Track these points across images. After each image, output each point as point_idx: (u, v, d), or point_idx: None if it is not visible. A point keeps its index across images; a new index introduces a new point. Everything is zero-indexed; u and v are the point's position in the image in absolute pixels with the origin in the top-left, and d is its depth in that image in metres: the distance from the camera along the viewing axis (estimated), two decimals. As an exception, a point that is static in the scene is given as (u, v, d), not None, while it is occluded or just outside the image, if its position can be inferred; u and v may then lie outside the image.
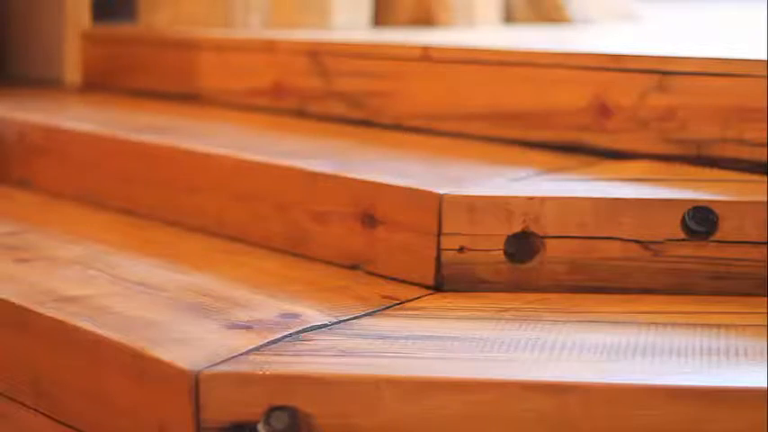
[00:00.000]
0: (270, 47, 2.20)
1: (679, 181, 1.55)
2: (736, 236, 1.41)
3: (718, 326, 1.28)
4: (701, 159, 1.63)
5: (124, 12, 2.71)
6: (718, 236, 1.41)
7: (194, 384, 1.15)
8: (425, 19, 2.65)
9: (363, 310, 1.35)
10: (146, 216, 1.83)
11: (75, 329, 1.31)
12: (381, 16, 2.62)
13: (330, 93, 2.07)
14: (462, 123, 1.88)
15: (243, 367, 1.17)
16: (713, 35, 2.41)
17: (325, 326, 1.29)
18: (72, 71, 2.63)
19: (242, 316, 1.33)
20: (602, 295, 1.41)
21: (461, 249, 1.43)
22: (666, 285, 1.42)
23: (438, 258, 1.44)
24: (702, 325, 1.29)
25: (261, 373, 1.15)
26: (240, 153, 1.72)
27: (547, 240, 1.43)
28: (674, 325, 1.29)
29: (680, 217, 1.41)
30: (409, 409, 1.13)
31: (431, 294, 1.42)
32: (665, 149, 1.66)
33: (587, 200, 1.43)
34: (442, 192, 1.45)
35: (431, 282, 1.44)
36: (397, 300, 1.39)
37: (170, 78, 2.40)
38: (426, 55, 1.95)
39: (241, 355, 1.20)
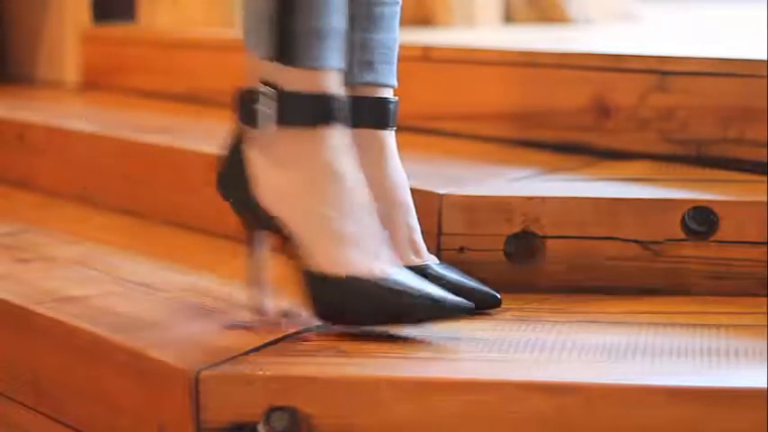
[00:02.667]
0: (270, 47, 2.20)
1: (679, 181, 1.55)
2: (736, 236, 1.40)
3: (718, 326, 1.28)
4: (701, 159, 1.63)
5: (124, 12, 2.71)
6: (718, 236, 1.41)
7: (194, 384, 1.15)
8: (425, 19, 2.65)
9: (363, 311, 1.34)
10: (146, 216, 1.83)
11: (75, 329, 1.31)
12: (381, 16, 2.62)
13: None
14: (462, 123, 1.88)
15: (243, 367, 1.17)
16: (713, 35, 2.41)
17: (325, 326, 1.29)
18: (72, 71, 2.64)
19: (242, 316, 1.33)
20: (602, 295, 1.41)
21: (461, 250, 1.43)
22: (666, 285, 1.42)
23: (438, 258, 1.43)
24: (702, 325, 1.29)
25: (261, 373, 1.15)
26: (240, 153, 1.72)
27: (547, 240, 1.43)
28: (673, 325, 1.29)
29: (680, 217, 1.41)
30: (409, 409, 1.13)
31: (431, 294, 1.42)
32: (665, 149, 1.66)
33: (587, 200, 1.43)
34: (442, 192, 1.45)
35: (431, 282, 1.44)
36: (397, 300, 1.39)
37: (170, 78, 2.40)
38: (426, 55, 1.95)
39: (241, 355, 1.20)
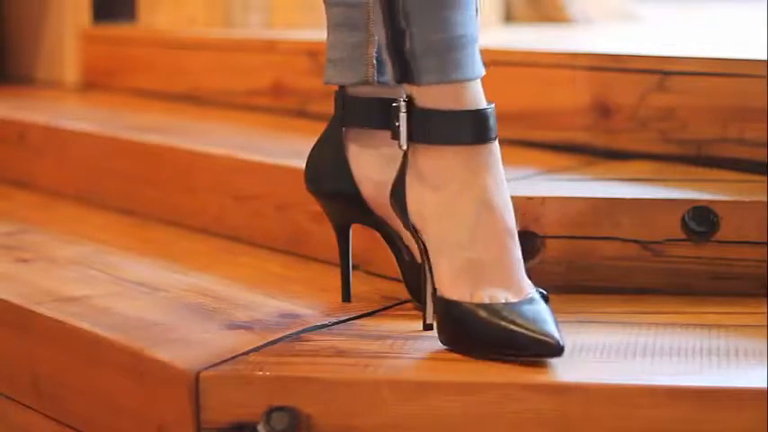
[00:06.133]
0: (270, 47, 2.20)
1: (679, 181, 1.55)
2: (736, 236, 1.40)
3: (718, 326, 1.28)
4: (701, 159, 1.62)
5: (124, 12, 2.71)
6: (718, 236, 1.41)
7: (194, 385, 1.15)
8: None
9: (363, 311, 1.35)
10: (146, 216, 1.83)
11: (75, 330, 1.31)
12: (381, 16, 2.62)
13: (330, 93, 2.07)
14: (462, 123, 1.88)
15: (243, 367, 1.17)
16: (713, 35, 2.41)
17: (324, 326, 1.29)
18: (72, 71, 2.63)
19: (242, 316, 1.33)
20: (602, 295, 1.41)
21: (461, 249, 1.43)
22: (666, 285, 1.42)
23: (438, 258, 1.43)
24: (702, 325, 1.29)
25: (261, 373, 1.15)
26: (240, 153, 1.72)
27: (547, 240, 1.43)
28: (673, 325, 1.29)
29: (680, 217, 1.41)
30: (409, 410, 1.13)
31: (431, 294, 1.42)
32: (665, 149, 1.66)
33: (587, 200, 1.43)
34: (441, 192, 1.45)
35: (431, 282, 1.44)
36: (398, 300, 1.39)
37: (170, 78, 2.40)
38: (426, 55, 1.94)
39: (241, 355, 1.20)
